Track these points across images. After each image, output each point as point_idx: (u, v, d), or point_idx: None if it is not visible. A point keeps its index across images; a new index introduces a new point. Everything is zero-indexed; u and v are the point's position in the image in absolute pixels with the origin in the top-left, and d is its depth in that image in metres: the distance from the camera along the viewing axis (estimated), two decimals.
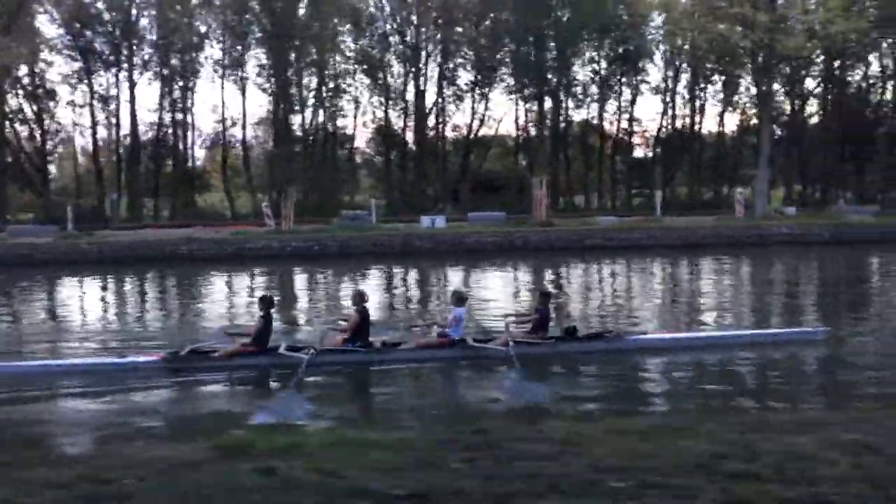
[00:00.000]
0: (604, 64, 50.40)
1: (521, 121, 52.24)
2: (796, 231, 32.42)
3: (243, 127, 49.39)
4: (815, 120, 53.42)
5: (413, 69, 49.06)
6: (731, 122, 61.43)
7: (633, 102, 51.85)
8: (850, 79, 51.95)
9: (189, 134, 49.17)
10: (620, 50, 49.54)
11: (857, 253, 28.79)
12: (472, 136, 51.35)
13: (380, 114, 50.84)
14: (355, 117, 50.84)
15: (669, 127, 52.14)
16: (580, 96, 50.93)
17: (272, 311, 11.20)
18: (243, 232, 31.96)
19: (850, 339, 12.71)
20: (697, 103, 51.98)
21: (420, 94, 49.24)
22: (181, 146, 48.99)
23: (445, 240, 30.58)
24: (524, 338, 11.14)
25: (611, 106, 51.65)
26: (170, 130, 48.34)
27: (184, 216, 43.71)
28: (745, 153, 52.75)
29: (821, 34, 32.05)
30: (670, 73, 51.10)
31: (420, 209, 40.56)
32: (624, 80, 50.88)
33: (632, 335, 11.99)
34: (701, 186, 52.84)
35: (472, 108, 51.04)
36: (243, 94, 48.29)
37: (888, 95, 51.72)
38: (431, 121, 50.49)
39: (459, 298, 11.56)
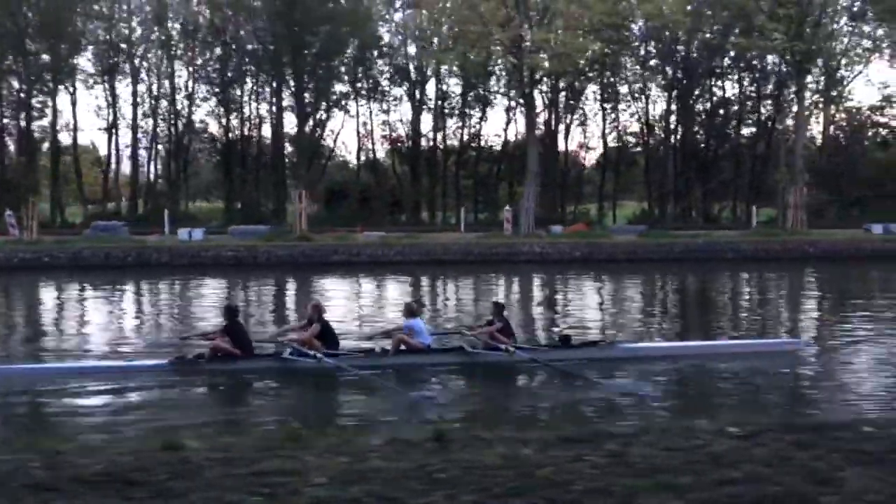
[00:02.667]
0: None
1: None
2: (548, 250, 32.88)
3: None
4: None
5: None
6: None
7: (482, 118, 52.50)
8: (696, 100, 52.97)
9: None
10: None
11: (585, 273, 29.34)
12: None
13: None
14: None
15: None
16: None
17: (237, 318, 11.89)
18: None
19: None
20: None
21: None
22: None
23: (182, 253, 30.61)
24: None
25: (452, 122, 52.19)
26: None
27: None
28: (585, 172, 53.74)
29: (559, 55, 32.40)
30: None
31: (258, 220, 40.83)
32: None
33: (624, 343, 12.77)
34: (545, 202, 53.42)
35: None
36: None
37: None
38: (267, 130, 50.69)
39: (410, 311, 12.19)
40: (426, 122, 51.74)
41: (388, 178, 53.86)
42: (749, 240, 34.48)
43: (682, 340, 14.66)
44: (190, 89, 49.04)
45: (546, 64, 32.31)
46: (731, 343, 13.93)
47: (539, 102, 44.88)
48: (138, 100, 48.03)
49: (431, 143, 51.81)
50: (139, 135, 48.67)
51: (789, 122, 39.82)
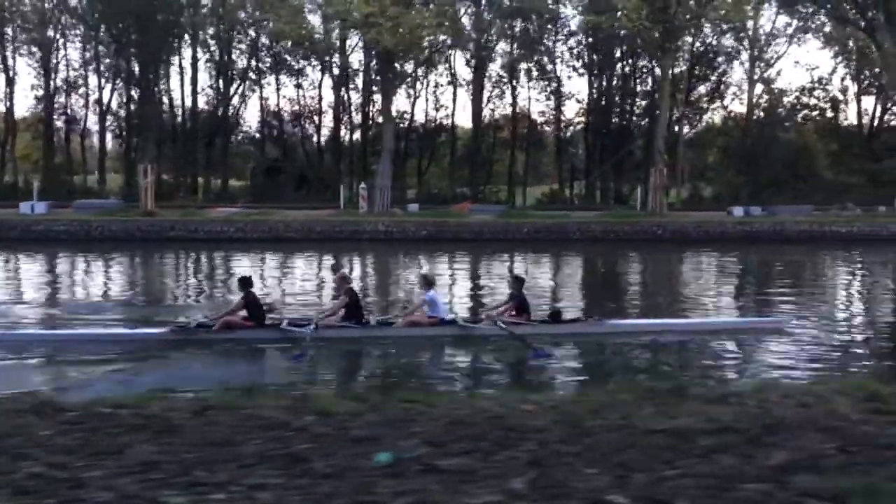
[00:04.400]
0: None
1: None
2: (392, 229, 32.77)
3: None
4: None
5: None
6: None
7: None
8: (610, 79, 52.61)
9: None
10: None
11: (420, 251, 29.24)
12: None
13: None
14: None
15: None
16: None
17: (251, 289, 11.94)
18: None
19: None
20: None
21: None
22: None
23: (12, 226, 30.59)
24: (511, 320, 11.92)
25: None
26: None
27: None
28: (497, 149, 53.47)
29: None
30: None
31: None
32: None
33: (611, 320, 12.84)
34: (453, 181, 53.26)
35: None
36: None
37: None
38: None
39: (428, 282, 12.29)
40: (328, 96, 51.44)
41: (296, 154, 53.66)
42: (600, 221, 34.30)
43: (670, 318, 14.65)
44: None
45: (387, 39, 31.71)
46: (718, 321, 14.09)
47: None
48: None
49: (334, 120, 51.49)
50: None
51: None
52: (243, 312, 11.65)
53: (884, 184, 44.99)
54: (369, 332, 11.71)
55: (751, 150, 52.81)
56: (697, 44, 52.08)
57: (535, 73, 52.35)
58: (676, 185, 42.72)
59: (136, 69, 46.01)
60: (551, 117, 53.79)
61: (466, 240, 32.20)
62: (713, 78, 53.40)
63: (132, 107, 48.60)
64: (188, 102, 50.15)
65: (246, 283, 11.85)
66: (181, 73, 49.42)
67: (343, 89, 50.41)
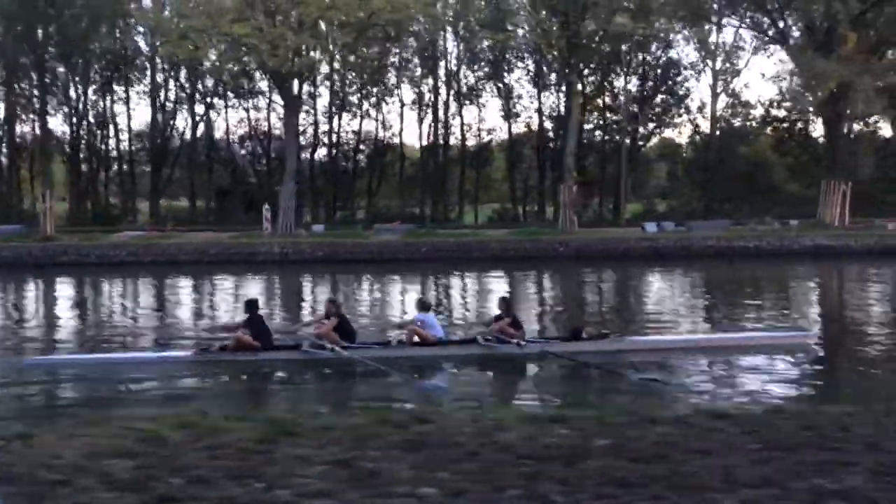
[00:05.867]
0: None
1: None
2: (287, 250, 32.43)
3: None
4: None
5: None
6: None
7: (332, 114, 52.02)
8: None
9: None
10: None
11: (313, 272, 28.93)
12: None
13: None
14: None
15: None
16: None
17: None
18: None
19: None
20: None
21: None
22: None
23: None
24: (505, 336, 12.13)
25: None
26: None
27: None
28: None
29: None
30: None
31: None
32: None
33: (632, 336, 13.24)
34: (403, 200, 52.98)
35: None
36: None
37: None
38: None
39: (423, 306, 12.68)
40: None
41: (246, 176, 53.85)
42: (502, 239, 33.66)
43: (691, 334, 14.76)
44: None
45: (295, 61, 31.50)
46: (742, 335, 13.77)
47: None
48: None
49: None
50: None
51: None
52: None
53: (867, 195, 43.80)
54: (389, 352, 11.83)
55: (707, 164, 51.91)
56: (649, 58, 51.73)
57: (484, 90, 52.08)
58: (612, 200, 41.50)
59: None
60: (501, 134, 53.39)
61: (364, 261, 31.84)
62: (663, 92, 52.51)
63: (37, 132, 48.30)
64: (135, 126, 50.79)
65: (252, 305, 12.26)
66: (127, 99, 50.09)
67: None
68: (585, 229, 36.75)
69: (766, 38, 39.56)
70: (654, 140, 55.41)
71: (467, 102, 52.01)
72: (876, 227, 34.72)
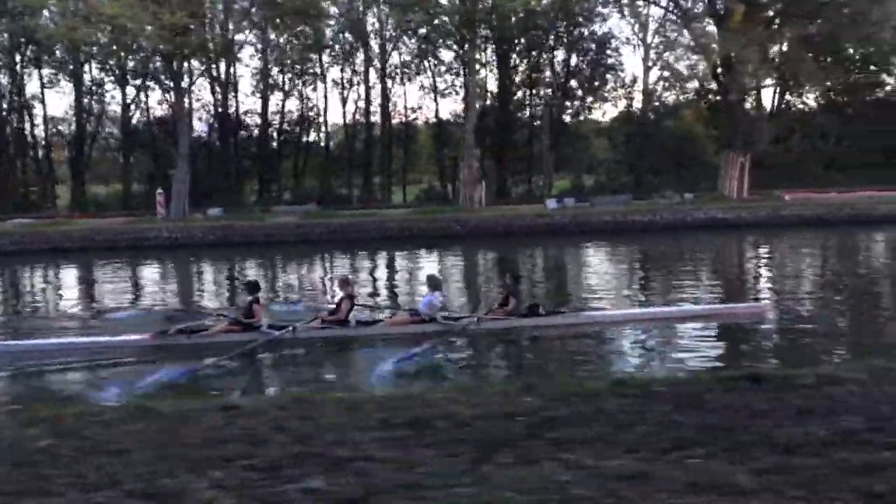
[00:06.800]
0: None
1: None
2: (176, 235, 31.84)
3: None
4: None
5: None
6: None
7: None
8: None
9: None
10: None
11: (204, 256, 28.54)
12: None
13: None
14: None
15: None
16: None
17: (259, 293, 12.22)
18: None
19: None
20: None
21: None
22: None
23: None
24: (493, 314, 12.35)
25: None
26: None
27: None
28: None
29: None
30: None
31: None
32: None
33: (588, 311, 13.23)
34: (328, 181, 52.42)
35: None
36: None
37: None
38: None
39: (434, 285, 12.58)
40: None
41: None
42: (399, 218, 33.35)
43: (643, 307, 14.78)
44: None
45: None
46: (696, 308, 13.80)
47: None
48: None
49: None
50: None
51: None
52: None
53: (769, 167, 43.81)
54: (348, 332, 11.90)
55: (636, 139, 51.85)
56: (577, 32, 51.28)
57: (410, 68, 51.46)
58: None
59: None
60: (427, 112, 52.97)
61: (259, 243, 31.40)
62: (592, 65, 52.13)
63: None
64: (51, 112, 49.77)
65: (253, 287, 12.14)
66: (41, 83, 48.93)
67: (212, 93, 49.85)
68: (492, 207, 36.47)
69: (674, 13, 39.19)
70: (586, 115, 54.94)
71: (392, 81, 51.52)
72: (773, 199, 34.73)
